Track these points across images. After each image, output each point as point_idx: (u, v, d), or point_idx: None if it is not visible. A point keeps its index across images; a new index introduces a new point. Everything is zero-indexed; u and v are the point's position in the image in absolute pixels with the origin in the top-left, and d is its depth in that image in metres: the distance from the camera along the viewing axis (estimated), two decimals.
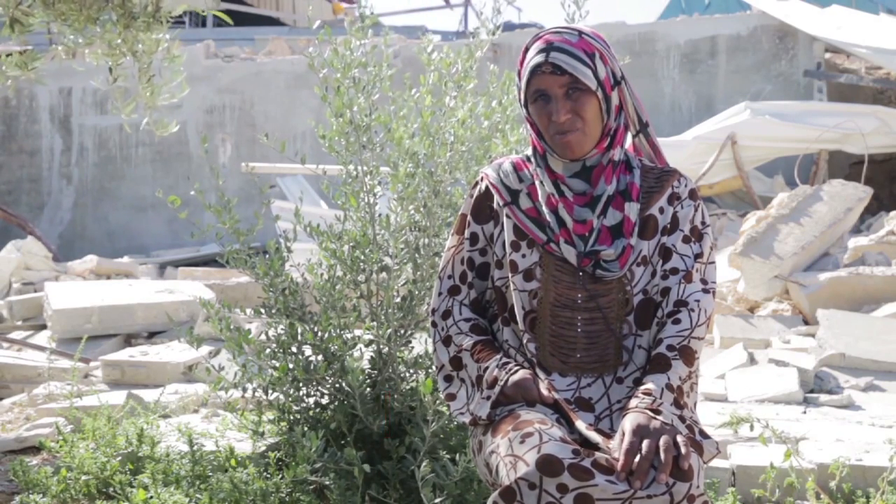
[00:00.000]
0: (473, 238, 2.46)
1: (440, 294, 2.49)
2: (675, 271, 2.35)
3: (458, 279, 2.48)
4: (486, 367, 2.35)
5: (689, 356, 2.27)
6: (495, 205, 2.42)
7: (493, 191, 2.42)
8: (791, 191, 8.46)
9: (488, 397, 2.32)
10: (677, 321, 2.30)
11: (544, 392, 2.28)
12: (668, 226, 2.37)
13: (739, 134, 10.29)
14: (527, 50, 2.35)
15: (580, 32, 2.32)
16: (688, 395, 2.27)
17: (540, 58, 2.29)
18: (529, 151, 2.46)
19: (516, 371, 2.32)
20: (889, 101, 12.06)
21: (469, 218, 2.47)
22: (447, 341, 2.44)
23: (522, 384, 2.30)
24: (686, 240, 2.37)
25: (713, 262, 2.41)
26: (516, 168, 2.43)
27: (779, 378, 5.29)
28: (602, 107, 2.32)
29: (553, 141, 2.32)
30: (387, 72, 3.62)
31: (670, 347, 2.27)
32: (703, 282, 2.36)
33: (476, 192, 2.47)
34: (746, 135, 10.34)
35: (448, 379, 2.44)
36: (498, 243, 2.41)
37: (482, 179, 2.47)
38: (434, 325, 2.48)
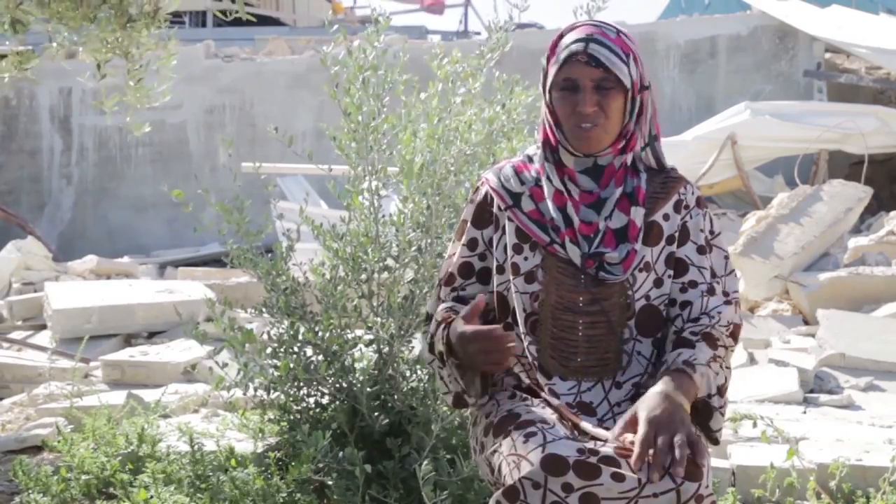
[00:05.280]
0: (472, 243, 2.43)
1: (438, 300, 2.46)
2: (693, 284, 2.33)
3: (456, 285, 2.45)
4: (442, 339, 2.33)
5: (711, 340, 2.25)
6: (495, 209, 2.40)
7: (493, 195, 2.40)
8: (791, 191, 8.46)
9: (450, 371, 2.32)
10: (696, 320, 2.29)
11: (472, 304, 2.25)
12: (678, 236, 2.35)
13: (739, 134, 10.27)
14: (561, 36, 2.32)
15: (618, 30, 2.32)
16: (716, 375, 2.25)
17: (578, 46, 2.27)
18: (530, 151, 2.45)
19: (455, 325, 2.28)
20: (889, 101, 12.04)
21: (469, 224, 2.45)
22: (428, 336, 2.43)
23: (459, 321, 2.27)
24: (701, 250, 2.36)
25: (733, 272, 2.41)
26: (517, 171, 2.41)
27: (779, 378, 5.30)
28: (626, 107, 2.31)
29: (572, 132, 2.30)
30: (399, 76, 3.62)
31: (692, 333, 2.26)
32: (725, 294, 2.36)
33: (477, 198, 2.45)
34: (746, 135, 10.33)
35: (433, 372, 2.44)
36: (499, 248, 2.39)
37: (483, 184, 2.45)
38: (425, 333, 2.46)
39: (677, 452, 2.05)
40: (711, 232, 2.39)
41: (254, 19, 5.06)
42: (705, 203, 2.42)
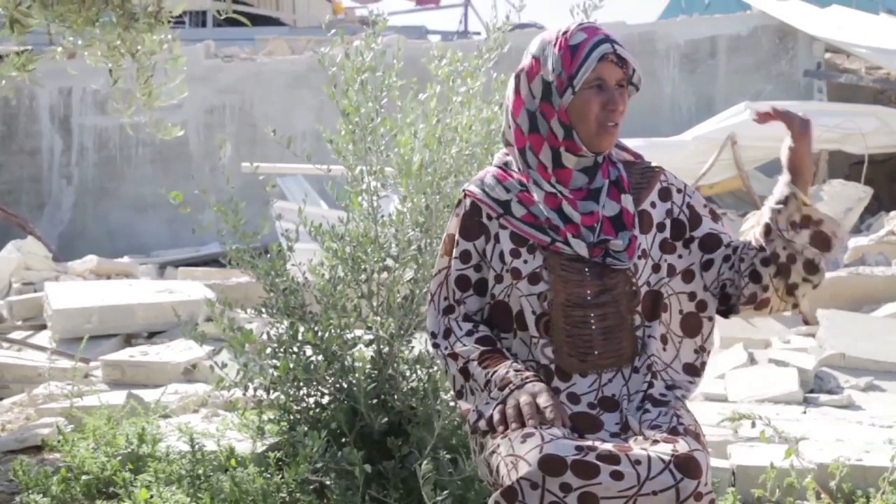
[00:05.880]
0: (465, 256, 2.42)
1: (437, 316, 2.45)
2: (728, 244, 2.44)
3: (452, 300, 2.44)
4: (495, 371, 2.30)
5: None
6: (484, 219, 2.40)
7: (480, 206, 2.40)
8: None
9: (496, 398, 2.28)
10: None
11: (564, 418, 2.24)
12: (689, 220, 2.42)
13: (739, 134, 10.26)
14: (569, 37, 2.34)
15: None
16: None
17: (607, 47, 2.31)
18: (500, 160, 2.45)
19: (532, 380, 2.27)
20: (889, 101, 12.04)
21: (458, 237, 2.43)
22: (454, 356, 2.38)
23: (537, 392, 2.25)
24: (715, 219, 2.46)
25: None
26: (499, 180, 2.40)
27: (779, 378, 5.30)
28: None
29: (598, 130, 2.33)
30: (396, 81, 3.62)
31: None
32: None
33: (462, 211, 2.44)
34: (746, 135, 10.31)
35: (460, 395, 2.39)
36: (494, 257, 2.39)
37: (465, 197, 2.44)
38: (436, 346, 2.43)
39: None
40: (706, 204, 2.47)
41: (246, 22, 5.00)
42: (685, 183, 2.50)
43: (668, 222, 2.40)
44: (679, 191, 2.43)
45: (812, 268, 2.35)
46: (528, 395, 2.22)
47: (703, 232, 2.42)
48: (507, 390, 2.26)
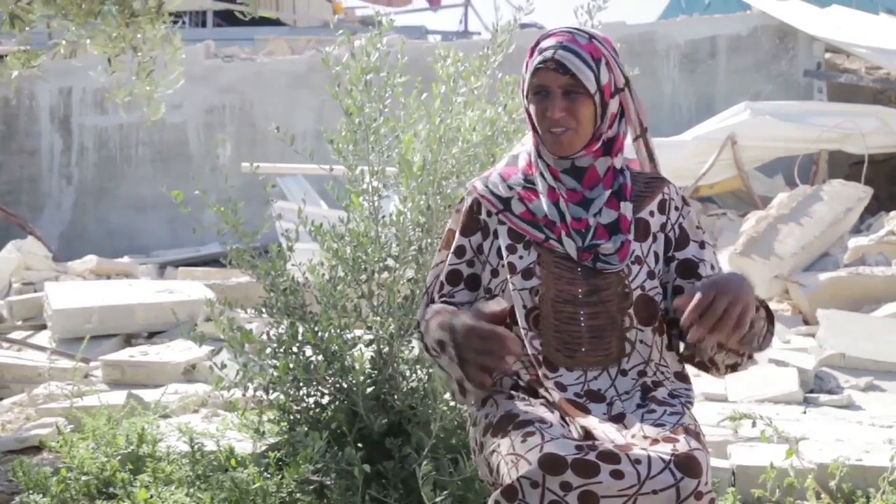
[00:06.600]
0: (459, 251, 2.46)
1: (423, 307, 2.49)
2: (700, 278, 2.40)
3: (443, 293, 2.47)
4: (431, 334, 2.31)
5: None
6: (483, 215, 2.44)
7: (482, 201, 2.44)
8: (791, 191, 8.46)
9: (450, 357, 2.25)
10: None
11: (494, 307, 2.22)
12: (676, 239, 2.42)
13: (739, 134, 10.26)
14: (537, 44, 2.38)
15: (591, 36, 2.37)
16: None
17: (547, 53, 2.33)
18: (515, 150, 2.50)
19: (459, 313, 2.25)
20: (889, 101, 12.03)
21: (456, 232, 2.48)
22: (421, 338, 2.43)
23: (471, 312, 2.23)
24: (702, 246, 2.44)
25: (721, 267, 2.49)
26: (503, 178, 2.45)
27: (779, 378, 5.30)
28: (597, 112, 2.35)
29: (545, 137, 2.37)
30: (399, 78, 3.63)
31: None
32: None
33: (464, 207, 2.48)
34: (746, 135, 10.31)
35: (437, 360, 2.37)
36: (491, 252, 2.42)
37: (469, 193, 2.49)
38: (420, 334, 2.47)
39: (732, 313, 2.07)
40: (699, 227, 2.46)
41: (274, 16, 5.04)
42: (688, 200, 2.49)
43: (660, 236, 2.42)
44: (676, 209, 2.44)
45: (736, 367, 2.36)
46: (471, 349, 2.17)
47: (684, 256, 2.42)
48: (447, 335, 2.23)
